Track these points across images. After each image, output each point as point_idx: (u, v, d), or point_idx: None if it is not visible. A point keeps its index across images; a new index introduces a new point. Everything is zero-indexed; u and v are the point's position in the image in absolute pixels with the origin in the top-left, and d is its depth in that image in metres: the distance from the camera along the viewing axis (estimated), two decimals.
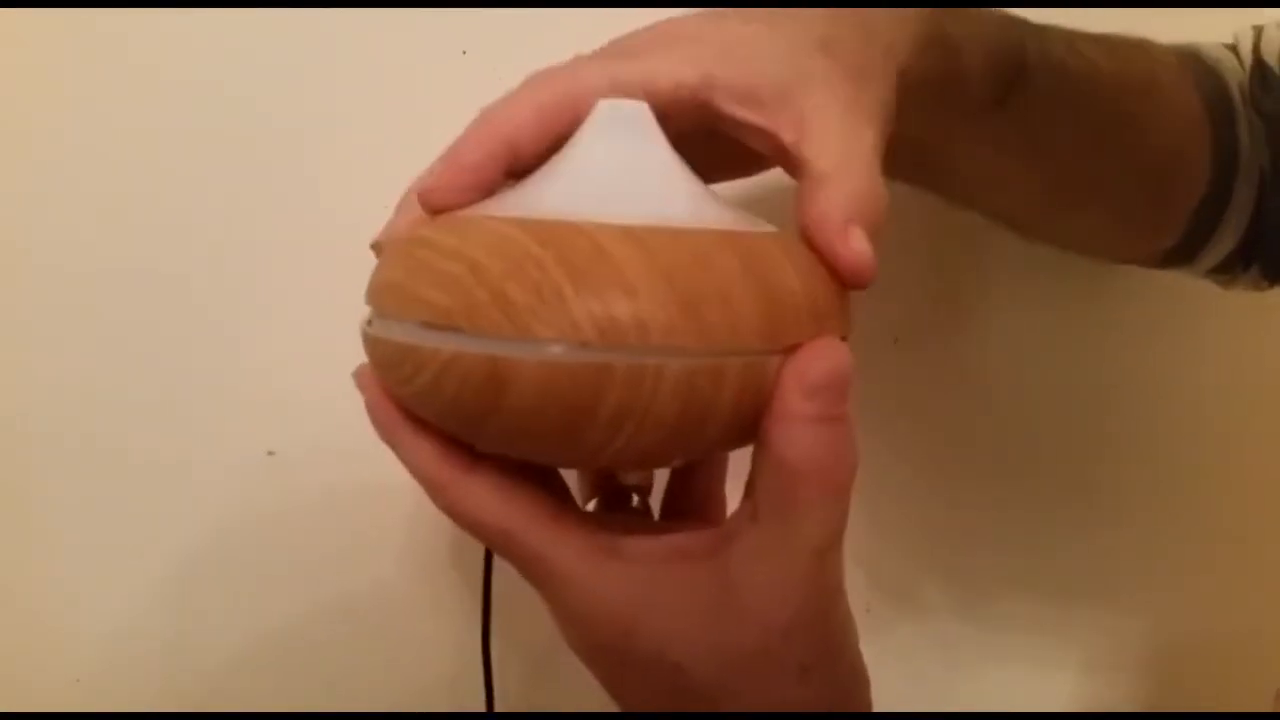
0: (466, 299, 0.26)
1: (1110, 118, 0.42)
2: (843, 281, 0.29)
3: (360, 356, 0.31)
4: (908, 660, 0.56)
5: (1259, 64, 0.46)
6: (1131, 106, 0.42)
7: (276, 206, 0.47)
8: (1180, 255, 0.48)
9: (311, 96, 0.47)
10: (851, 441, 0.28)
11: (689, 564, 0.29)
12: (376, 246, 0.32)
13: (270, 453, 0.48)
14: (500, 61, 0.46)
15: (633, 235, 0.26)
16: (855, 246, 0.28)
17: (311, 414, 0.47)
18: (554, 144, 0.30)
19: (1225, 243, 0.47)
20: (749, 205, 0.32)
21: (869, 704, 0.32)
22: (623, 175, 0.29)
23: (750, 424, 0.28)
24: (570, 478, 0.34)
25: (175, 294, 0.47)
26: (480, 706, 0.42)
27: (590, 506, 0.35)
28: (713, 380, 0.26)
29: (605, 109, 0.30)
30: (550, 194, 0.29)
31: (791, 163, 0.31)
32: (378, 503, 0.48)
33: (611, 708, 0.32)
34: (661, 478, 0.36)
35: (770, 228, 0.30)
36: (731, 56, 0.31)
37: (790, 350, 0.27)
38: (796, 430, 0.27)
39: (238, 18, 0.46)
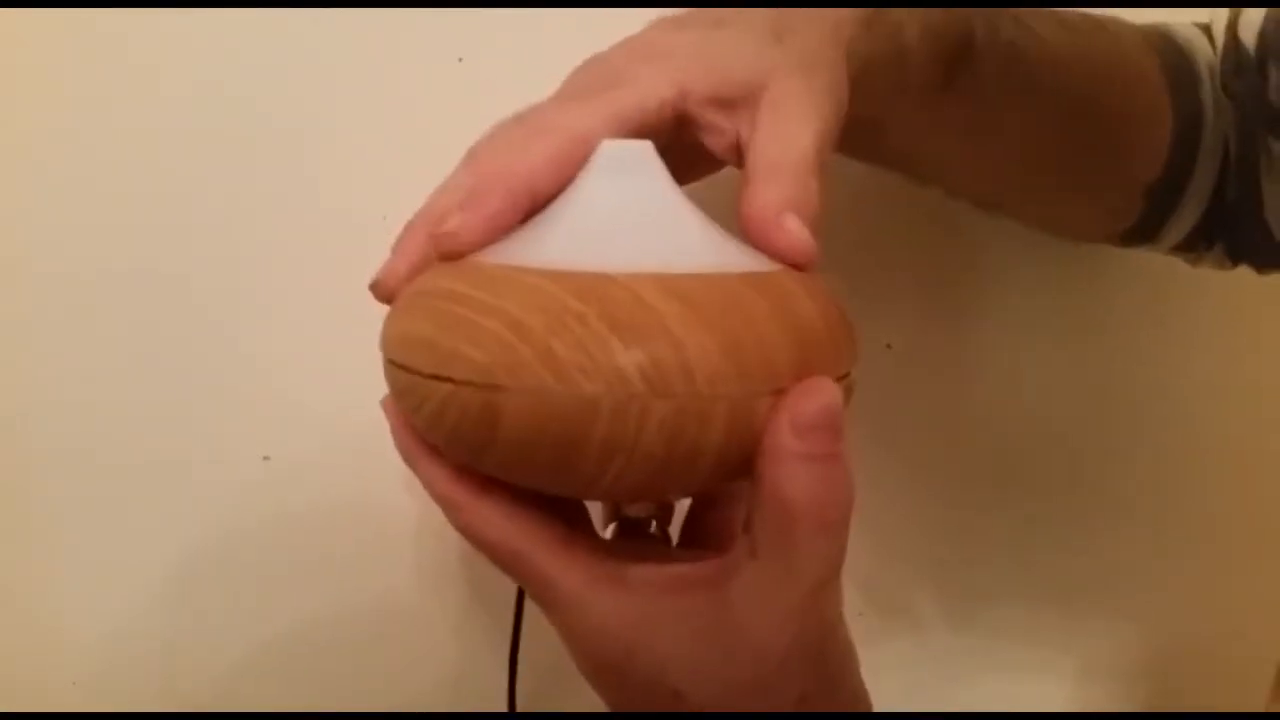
0: (510, 356, 0.26)
1: (1064, 98, 0.42)
2: (789, 263, 0.29)
3: (356, 359, 0.31)
4: (903, 668, 0.56)
5: (1234, 43, 0.45)
6: (1086, 87, 0.42)
7: (276, 208, 0.47)
8: (1141, 233, 0.48)
9: (311, 98, 0.47)
10: (847, 478, 0.28)
11: (689, 593, 0.29)
12: (376, 286, 0.32)
13: (266, 458, 0.48)
14: (495, 69, 0.47)
15: (666, 284, 0.26)
16: (790, 228, 0.29)
17: (308, 419, 0.47)
18: (562, 188, 0.30)
19: (1186, 221, 0.47)
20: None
21: None
22: (636, 219, 0.29)
23: (743, 460, 0.28)
24: (593, 503, 0.34)
25: (175, 295, 0.47)
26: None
27: (609, 532, 0.35)
28: (699, 419, 0.26)
29: (609, 151, 0.30)
30: (565, 241, 0.29)
31: (742, 162, 0.31)
32: (374, 508, 0.48)
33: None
34: (682, 504, 0.36)
35: (775, 265, 0.30)
36: (701, 64, 0.32)
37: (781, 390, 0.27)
38: (790, 468, 0.27)
39: (238, 18, 0.46)
